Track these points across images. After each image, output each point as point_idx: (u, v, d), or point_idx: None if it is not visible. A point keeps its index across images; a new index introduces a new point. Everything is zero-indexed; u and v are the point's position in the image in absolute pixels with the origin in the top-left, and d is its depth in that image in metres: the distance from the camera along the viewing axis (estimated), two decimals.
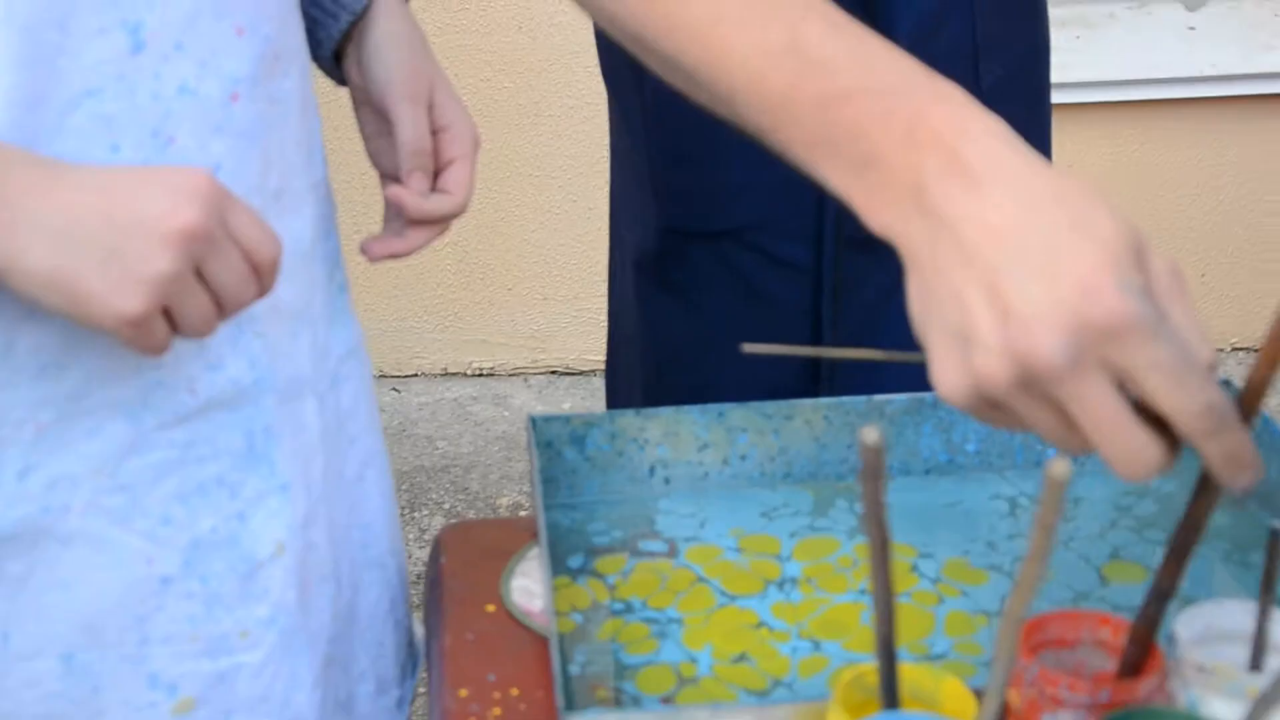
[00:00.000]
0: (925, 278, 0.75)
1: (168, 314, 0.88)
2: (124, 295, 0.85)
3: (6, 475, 0.93)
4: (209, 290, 0.89)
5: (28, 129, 0.88)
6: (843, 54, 0.80)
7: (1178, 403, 0.71)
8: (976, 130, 0.75)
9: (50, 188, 0.86)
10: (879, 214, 0.77)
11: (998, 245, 0.72)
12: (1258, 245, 2.82)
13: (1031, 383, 0.71)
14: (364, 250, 1.17)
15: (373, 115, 1.17)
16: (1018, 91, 1.42)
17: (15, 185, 0.85)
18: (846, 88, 0.79)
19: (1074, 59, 2.60)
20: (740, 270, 1.36)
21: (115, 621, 0.98)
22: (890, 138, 0.76)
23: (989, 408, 0.75)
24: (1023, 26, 1.45)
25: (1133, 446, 0.72)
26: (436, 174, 1.18)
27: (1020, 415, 0.74)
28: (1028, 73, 1.47)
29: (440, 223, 1.17)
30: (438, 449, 2.70)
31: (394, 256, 1.17)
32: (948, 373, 0.74)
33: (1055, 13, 1.54)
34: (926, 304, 0.76)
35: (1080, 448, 0.74)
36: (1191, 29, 2.73)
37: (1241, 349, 2.90)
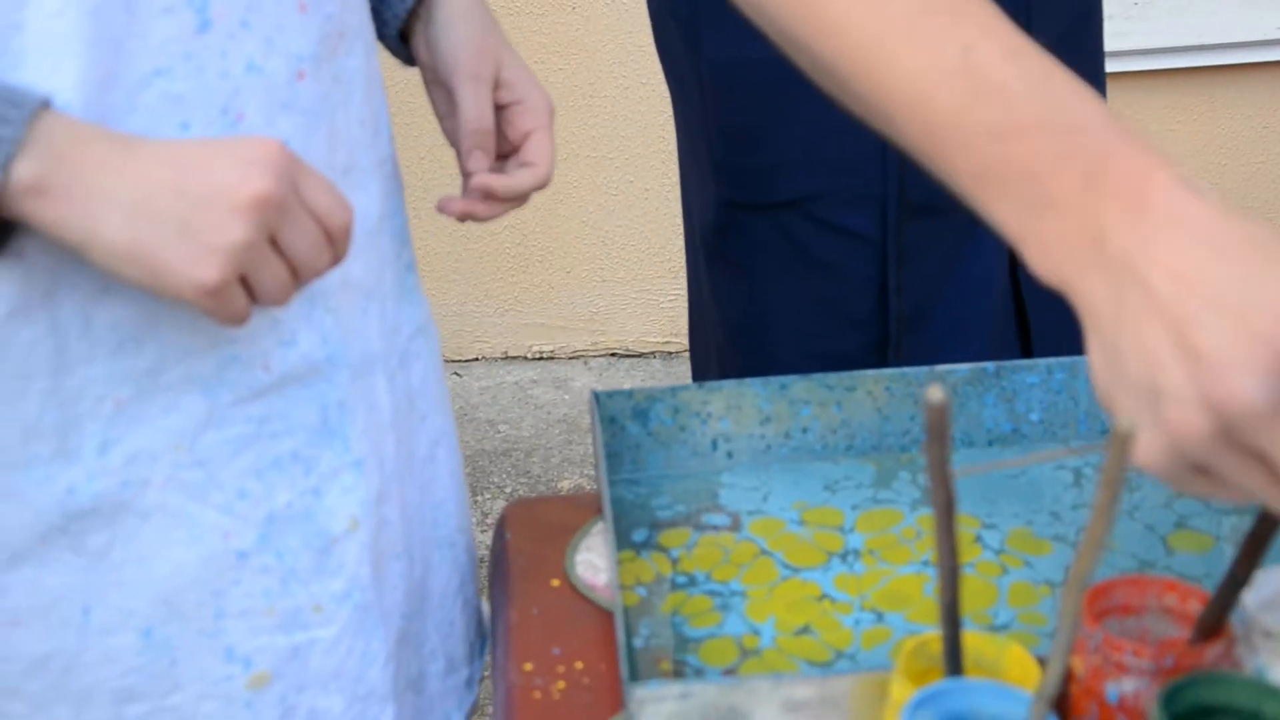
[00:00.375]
0: (1108, 334, 0.72)
1: (245, 283, 0.89)
2: (201, 265, 0.86)
3: (87, 450, 0.94)
4: (284, 258, 0.90)
5: (101, 108, 0.89)
6: (1022, 82, 0.77)
7: None
8: (1162, 177, 0.72)
9: (124, 162, 0.87)
10: (1054, 262, 0.74)
11: (1187, 292, 0.69)
12: None
13: (1231, 431, 0.68)
14: (442, 207, 1.16)
15: (443, 94, 1.16)
16: (1069, 55, 1.39)
17: (90, 161, 0.86)
18: (1023, 120, 0.76)
19: (1133, 26, 2.59)
20: (802, 241, 1.36)
21: (192, 596, 0.99)
22: (1070, 180, 0.74)
23: (1192, 472, 0.71)
24: None
25: None
26: (516, 148, 1.17)
27: (1225, 474, 0.70)
28: (1079, 35, 1.46)
29: (525, 195, 1.17)
30: (499, 433, 2.70)
31: (473, 218, 1.17)
32: (1148, 440, 0.70)
33: None
34: (1112, 363, 0.72)
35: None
36: None
37: None
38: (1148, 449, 0.70)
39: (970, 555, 1.06)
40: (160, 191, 0.87)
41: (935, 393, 0.69)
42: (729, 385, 1.16)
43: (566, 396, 2.80)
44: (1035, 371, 1.18)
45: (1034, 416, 1.18)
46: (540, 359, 2.90)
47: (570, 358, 2.90)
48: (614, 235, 2.70)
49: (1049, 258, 0.74)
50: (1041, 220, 0.74)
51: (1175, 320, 0.68)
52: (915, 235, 1.35)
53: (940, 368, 1.17)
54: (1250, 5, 2.65)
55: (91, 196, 0.86)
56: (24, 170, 0.84)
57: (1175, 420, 0.68)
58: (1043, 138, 0.75)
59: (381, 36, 1.15)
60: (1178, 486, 0.73)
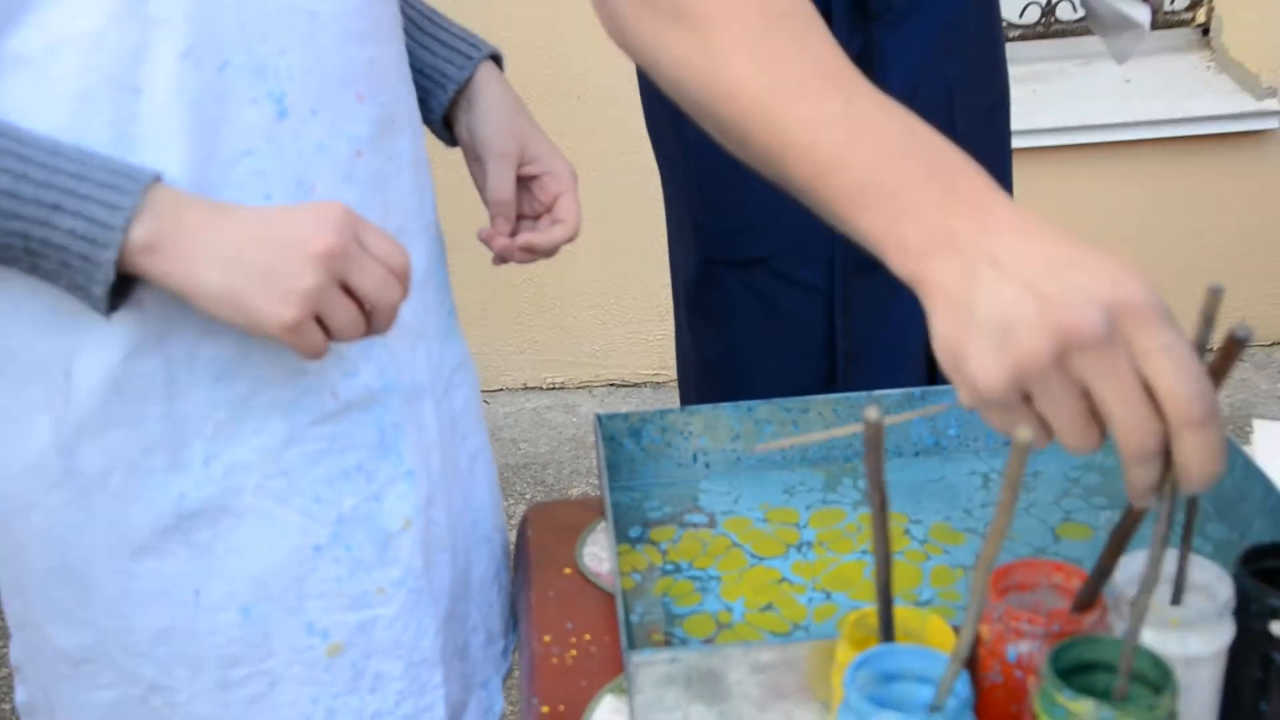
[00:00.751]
0: (960, 298, 0.70)
1: (321, 321, 0.89)
2: (282, 306, 0.87)
3: (194, 463, 0.96)
4: (355, 298, 0.90)
5: (200, 182, 0.90)
6: (892, 125, 0.77)
7: (1181, 387, 0.66)
8: (999, 197, 0.73)
9: (219, 224, 0.88)
10: (911, 257, 0.73)
11: (1032, 262, 0.68)
12: (1188, 274, 2.78)
13: (1070, 354, 0.66)
14: (484, 238, 1.15)
15: (481, 170, 1.15)
16: (985, 135, 1.41)
17: (192, 223, 0.87)
18: (893, 153, 0.75)
19: (1032, 109, 2.59)
20: (766, 293, 1.34)
21: (280, 581, 1.00)
22: (929, 195, 0.73)
23: (1018, 401, 0.69)
24: (987, 80, 1.44)
25: (1144, 418, 0.67)
26: (548, 209, 1.15)
27: (1047, 400, 0.68)
28: (993, 118, 1.46)
29: (558, 247, 1.16)
30: (520, 450, 2.70)
31: (514, 261, 1.16)
32: (987, 368, 0.68)
33: (1015, 70, 1.52)
34: (962, 320, 0.70)
35: (1089, 442, 0.69)
36: (1127, 82, 2.72)
37: None
38: (992, 378, 0.68)
39: (900, 545, 1.06)
40: (248, 248, 0.87)
41: (872, 411, 0.68)
42: (706, 409, 1.16)
43: (574, 419, 2.80)
44: (952, 395, 1.14)
45: (951, 432, 1.18)
46: (553, 389, 2.90)
47: (577, 388, 2.90)
48: (613, 287, 2.70)
49: (906, 254, 0.73)
50: (903, 225, 0.73)
51: (1024, 279, 0.68)
52: (856, 288, 1.34)
53: (877, 392, 1.17)
54: (1121, 94, 2.68)
55: (194, 253, 0.87)
56: (139, 232, 0.85)
57: (1025, 344, 0.66)
58: (908, 165, 0.75)
59: (428, 122, 1.15)
60: (999, 420, 0.71)
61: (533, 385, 2.90)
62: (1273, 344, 2.88)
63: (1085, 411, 0.68)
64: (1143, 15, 1.40)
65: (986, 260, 0.69)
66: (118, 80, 0.88)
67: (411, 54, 1.10)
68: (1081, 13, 2.70)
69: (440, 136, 1.18)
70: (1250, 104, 2.68)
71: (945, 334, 0.71)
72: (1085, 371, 0.67)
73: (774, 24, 0.82)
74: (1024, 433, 0.66)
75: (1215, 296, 0.70)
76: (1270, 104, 2.67)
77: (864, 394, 1.17)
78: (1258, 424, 1.19)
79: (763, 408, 1.16)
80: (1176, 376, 0.66)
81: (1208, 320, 0.70)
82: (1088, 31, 2.72)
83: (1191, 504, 0.82)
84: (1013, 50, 1.94)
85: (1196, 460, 0.67)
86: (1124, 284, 0.67)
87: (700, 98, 0.83)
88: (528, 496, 2.60)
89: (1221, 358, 0.70)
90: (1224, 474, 1.01)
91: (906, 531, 1.09)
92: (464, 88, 1.13)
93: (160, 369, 0.94)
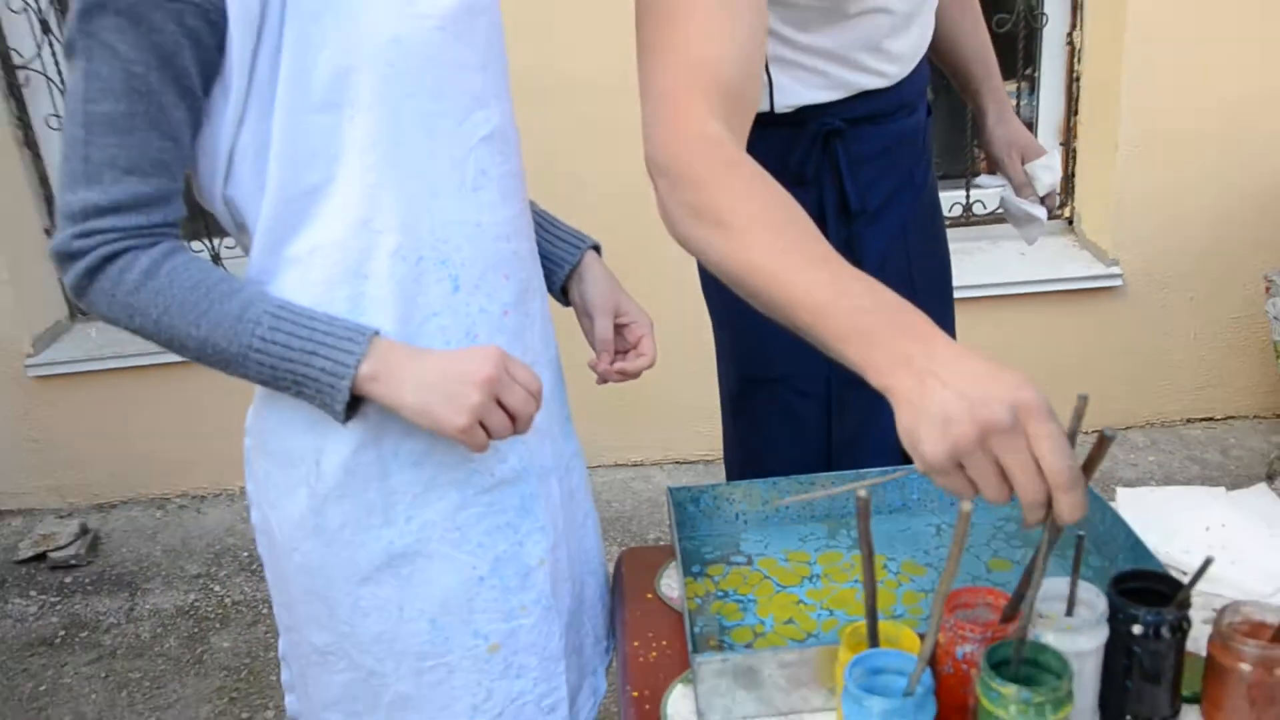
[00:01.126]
0: (914, 403, 0.70)
1: (483, 425, 0.89)
2: (458, 417, 0.87)
3: (399, 521, 0.95)
4: (507, 410, 0.89)
5: (403, 334, 0.91)
6: (865, 290, 0.77)
7: (1058, 462, 0.67)
8: (941, 337, 0.73)
9: (416, 362, 0.88)
10: (881, 376, 0.73)
11: (962, 374, 0.70)
12: (1066, 382, 2.74)
13: (988, 438, 0.68)
14: (594, 366, 1.12)
15: (588, 322, 1.13)
16: (934, 292, 1.39)
17: (399, 362, 0.87)
18: (865, 306, 0.76)
19: (959, 272, 2.55)
20: (783, 401, 1.32)
21: (456, 601, 0.99)
22: (891, 334, 0.73)
23: (955, 469, 0.69)
24: (934, 255, 1.41)
25: (1034, 482, 0.68)
26: (634, 347, 1.13)
27: (974, 469, 0.69)
28: (940, 280, 1.43)
29: (640, 373, 1.15)
30: (613, 508, 2.66)
31: (611, 381, 1.14)
32: (935, 445, 0.69)
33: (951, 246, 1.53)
34: (916, 415, 0.70)
35: (1002, 497, 0.69)
36: (1022, 254, 2.71)
37: None
38: (936, 453, 0.69)
39: (880, 576, 1.04)
40: (435, 378, 0.87)
41: (861, 491, 0.71)
42: (744, 484, 1.14)
43: (649, 487, 2.76)
44: (913, 475, 1.15)
45: (914, 496, 1.16)
46: (635, 465, 2.86)
47: (652, 464, 2.85)
48: (678, 394, 2.67)
49: (879, 373, 0.73)
50: (875, 354, 0.73)
51: (959, 390, 0.69)
52: (846, 397, 1.31)
53: (862, 471, 1.15)
54: (1020, 260, 2.66)
55: (400, 381, 0.87)
56: (365, 368, 0.86)
57: (956, 433, 0.68)
58: (875, 314, 0.75)
59: (550, 291, 1.14)
60: (943, 482, 0.70)
61: (621, 462, 2.86)
62: (1127, 427, 2.85)
63: (998, 475, 0.69)
64: (1042, 213, 1.42)
65: (931, 375, 0.70)
66: (352, 270, 0.89)
67: (539, 245, 1.10)
68: (990, 209, 2.75)
69: (559, 300, 1.17)
70: (1101, 269, 2.66)
71: (905, 424, 0.71)
72: (997, 449, 0.68)
73: (781, 228, 0.82)
74: (966, 505, 0.67)
75: (1082, 401, 0.72)
76: (1115, 269, 2.66)
77: (853, 471, 1.14)
78: (1120, 490, 1.17)
79: (782, 481, 1.14)
80: (1054, 455, 0.68)
81: (1078, 415, 0.73)
82: (996, 221, 2.75)
83: (1079, 544, 0.81)
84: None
85: (1066, 509, 0.69)
86: (1022, 390, 0.69)
87: (734, 274, 0.84)
88: (619, 541, 2.55)
89: (1095, 450, 0.73)
90: (1096, 521, 1.01)
91: (884, 566, 1.07)
92: (575, 268, 1.13)
93: (376, 458, 0.94)
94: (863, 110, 1.19)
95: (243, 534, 2.71)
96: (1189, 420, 2.85)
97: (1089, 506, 0.79)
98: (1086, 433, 2.80)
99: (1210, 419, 2.84)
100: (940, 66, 1.44)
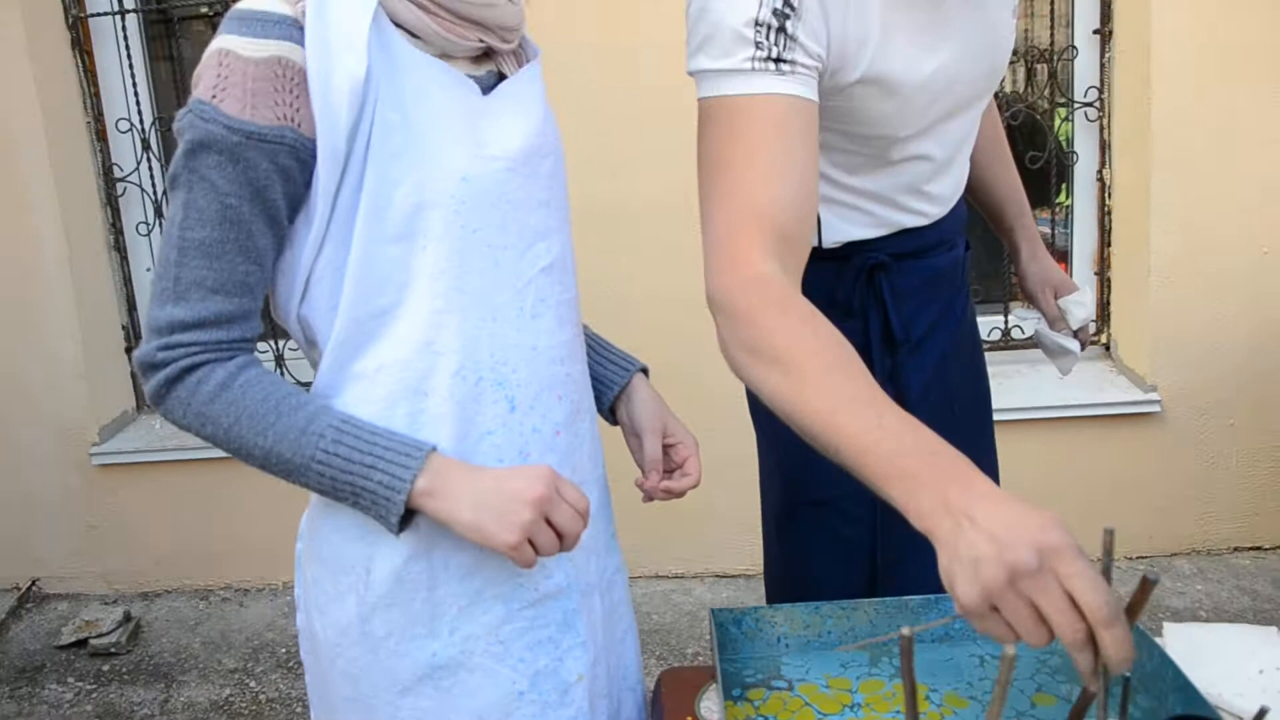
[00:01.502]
0: (952, 544, 0.72)
1: (531, 542, 0.89)
2: (508, 534, 0.87)
3: (443, 632, 0.95)
4: (555, 529, 0.90)
5: (458, 451, 0.92)
6: (908, 432, 0.78)
7: (1094, 599, 0.67)
8: (979, 480, 0.74)
9: (470, 479, 0.89)
10: (923, 517, 0.74)
11: (994, 518, 0.70)
12: (1104, 505, 2.70)
13: (1016, 581, 0.68)
14: (641, 485, 1.12)
15: (636, 441, 1.13)
16: (975, 419, 1.37)
17: (454, 478, 0.88)
18: (907, 449, 0.77)
19: (997, 397, 2.53)
20: (829, 524, 1.30)
21: (495, 714, 0.97)
22: (931, 477, 0.75)
23: (990, 611, 0.70)
24: (974, 383, 1.40)
25: (1071, 620, 0.67)
26: (680, 466, 1.12)
27: (1008, 611, 0.69)
28: (980, 408, 1.41)
29: (685, 491, 1.14)
30: (652, 620, 2.61)
31: (658, 499, 1.14)
32: (967, 588, 0.70)
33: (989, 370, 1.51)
34: (953, 558, 0.71)
35: (1041, 639, 0.69)
36: (1060, 378, 2.66)
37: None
38: (969, 595, 0.69)
39: (922, 707, 1.00)
40: (488, 495, 0.88)
41: (905, 630, 0.71)
42: (785, 607, 1.12)
43: (690, 600, 2.71)
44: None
45: (957, 625, 1.13)
46: (675, 577, 2.81)
47: (692, 577, 2.80)
48: (722, 507, 2.65)
49: (920, 516, 0.74)
50: (916, 496, 0.75)
51: (989, 532, 0.70)
52: (891, 521, 1.25)
53: (906, 598, 1.12)
54: (1059, 386, 2.64)
55: (455, 497, 0.87)
56: (421, 483, 0.86)
57: (987, 575, 0.69)
58: (916, 457, 0.76)
59: (599, 410, 1.14)
60: (981, 626, 0.71)
61: (662, 574, 2.82)
62: (1172, 554, 2.76)
63: (1033, 617, 0.69)
64: (1075, 347, 1.42)
65: (967, 518, 0.71)
66: (414, 388, 0.91)
67: (590, 366, 1.11)
68: (1028, 334, 2.74)
69: (607, 419, 1.18)
70: (1139, 394, 2.64)
71: (943, 567, 0.72)
72: (1028, 591, 0.68)
73: (831, 367, 0.84)
74: (1009, 650, 0.66)
75: (1109, 536, 0.73)
76: (1153, 395, 2.63)
77: (897, 599, 1.12)
78: (1167, 626, 1.13)
79: (825, 606, 1.12)
80: (1088, 592, 0.67)
81: (1107, 551, 0.73)
82: (1034, 345, 2.74)
83: (1126, 684, 0.80)
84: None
85: (1113, 648, 0.67)
86: (1049, 533, 0.69)
87: (786, 410, 0.86)
88: (657, 655, 2.50)
89: (1138, 594, 0.71)
90: (1143, 658, 0.98)
91: (927, 698, 1.03)
92: (623, 389, 1.13)
93: (426, 569, 0.94)
94: (905, 246, 1.22)
95: (282, 629, 2.70)
96: (1236, 549, 2.77)
97: (1135, 645, 0.75)
98: (1124, 562, 2.74)
99: (1259, 548, 2.76)
100: (975, 206, 1.47)
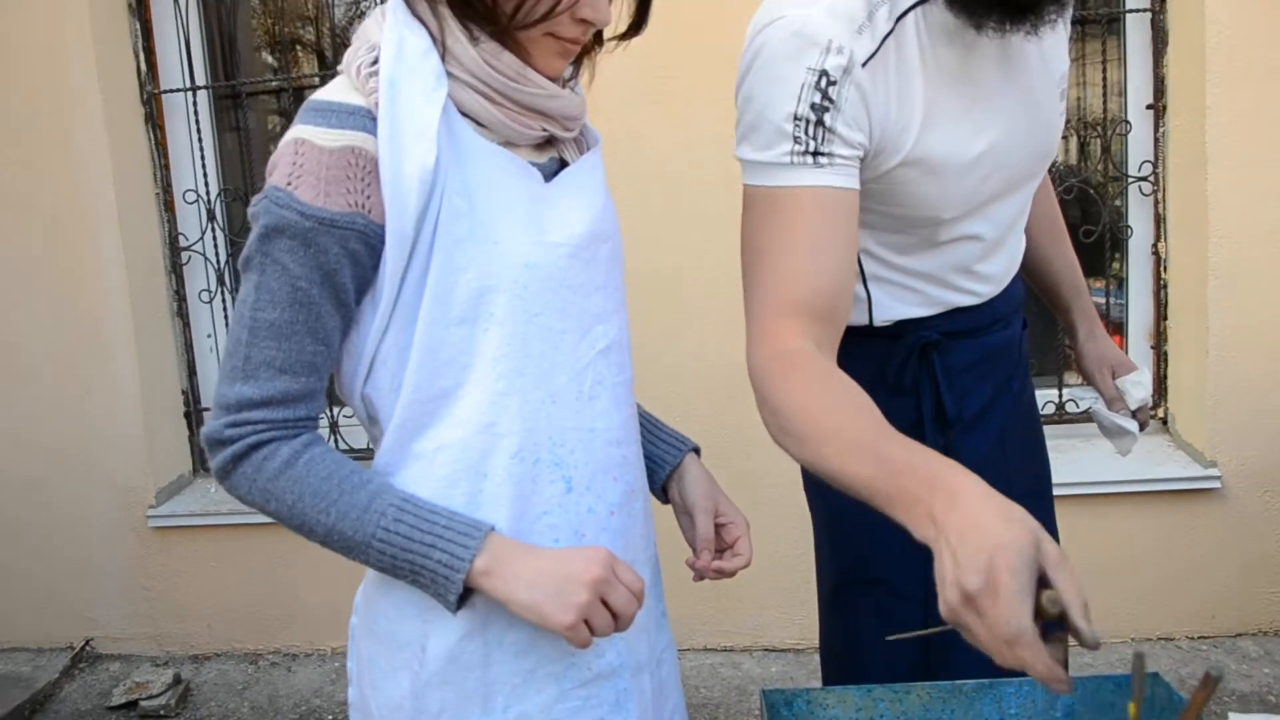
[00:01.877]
0: (936, 559, 0.76)
1: (588, 624, 0.89)
2: (565, 614, 0.87)
3: (497, 710, 0.94)
4: (610, 609, 0.90)
5: (515, 531, 0.92)
6: (904, 453, 0.82)
7: (1001, 628, 0.71)
8: (965, 481, 0.77)
9: (528, 560, 0.89)
10: (921, 532, 0.78)
11: (961, 536, 0.74)
12: (1164, 580, 2.64)
13: (968, 602, 0.73)
14: (692, 564, 1.11)
15: (687, 520, 1.13)
16: (1034, 497, 1.33)
17: (511, 557, 0.89)
18: (900, 469, 0.81)
19: (1059, 470, 2.53)
20: (880, 603, 1.28)
21: None
22: (925, 493, 0.78)
23: (966, 626, 0.74)
24: (1032, 461, 1.39)
25: (999, 649, 0.72)
26: (730, 546, 1.12)
27: (968, 632, 0.74)
28: (1038, 485, 1.40)
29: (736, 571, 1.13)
30: (700, 693, 2.57)
31: (709, 578, 1.13)
32: (942, 605, 0.75)
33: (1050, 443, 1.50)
34: (940, 574, 0.76)
35: (996, 652, 0.73)
36: (1119, 457, 2.66)
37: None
38: (943, 611, 0.75)
39: None
40: (545, 576, 0.88)
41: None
42: (838, 690, 1.09)
43: (739, 673, 2.65)
44: (1012, 685, 1.09)
45: (1012, 710, 1.08)
46: (724, 650, 2.76)
47: (741, 650, 2.75)
48: (772, 580, 2.61)
49: (920, 530, 0.78)
50: (914, 510, 0.78)
51: (954, 548, 0.74)
52: None
53: (960, 682, 1.09)
54: (1109, 463, 2.59)
55: (513, 577, 0.88)
56: (480, 563, 0.87)
57: (948, 595, 0.73)
58: (907, 475, 0.80)
59: (650, 487, 1.14)
60: (969, 640, 0.74)
61: (710, 647, 2.77)
62: (1237, 635, 2.67)
63: (987, 636, 0.73)
64: (1134, 427, 1.41)
65: (941, 532, 0.76)
66: (473, 469, 0.92)
67: (643, 447, 1.12)
68: (1082, 408, 2.70)
69: (659, 498, 1.18)
70: (1199, 470, 2.58)
71: (937, 578, 0.76)
72: (979, 610, 0.72)
73: (845, 422, 0.88)
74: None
75: (1214, 682, 0.71)
76: (1213, 471, 2.57)
77: (950, 683, 1.10)
78: (1233, 716, 1.09)
79: (878, 689, 1.09)
80: (999, 622, 0.71)
81: (1138, 674, 0.75)
82: (1089, 419, 2.70)
83: None
84: None
85: (1031, 671, 0.71)
86: (1006, 552, 0.72)
87: (815, 471, 0.90)
88: None
89: (1200, 691, 0.70)
90: None
91: None
92: (675, 468, 1.14)
93: (481, 647, 0.94)
94: (958, 324, 1.22)
95: (329, 695, 2.70)
96: None
97: None
98: (1186, 642, 2.64)
99: None
100: (1031, 284, 1.47)
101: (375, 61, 0.87)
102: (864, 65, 0.98)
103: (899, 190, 1.08)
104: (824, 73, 0.96)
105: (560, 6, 0.87)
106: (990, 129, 1.08)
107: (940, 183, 1.07)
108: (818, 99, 0.96)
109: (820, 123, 0.97)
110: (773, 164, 0.98)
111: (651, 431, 1.15)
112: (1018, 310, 1.31)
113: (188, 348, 2.94)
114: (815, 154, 0.97)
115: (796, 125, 0.97)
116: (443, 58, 0.88)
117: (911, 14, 1.01)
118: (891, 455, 0.82)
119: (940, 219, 1.11)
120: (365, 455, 2.78)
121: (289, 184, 0.86)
